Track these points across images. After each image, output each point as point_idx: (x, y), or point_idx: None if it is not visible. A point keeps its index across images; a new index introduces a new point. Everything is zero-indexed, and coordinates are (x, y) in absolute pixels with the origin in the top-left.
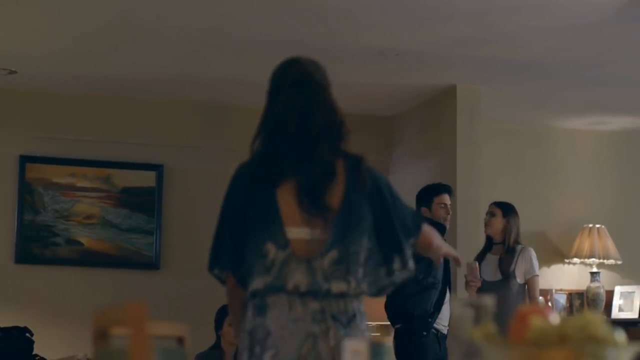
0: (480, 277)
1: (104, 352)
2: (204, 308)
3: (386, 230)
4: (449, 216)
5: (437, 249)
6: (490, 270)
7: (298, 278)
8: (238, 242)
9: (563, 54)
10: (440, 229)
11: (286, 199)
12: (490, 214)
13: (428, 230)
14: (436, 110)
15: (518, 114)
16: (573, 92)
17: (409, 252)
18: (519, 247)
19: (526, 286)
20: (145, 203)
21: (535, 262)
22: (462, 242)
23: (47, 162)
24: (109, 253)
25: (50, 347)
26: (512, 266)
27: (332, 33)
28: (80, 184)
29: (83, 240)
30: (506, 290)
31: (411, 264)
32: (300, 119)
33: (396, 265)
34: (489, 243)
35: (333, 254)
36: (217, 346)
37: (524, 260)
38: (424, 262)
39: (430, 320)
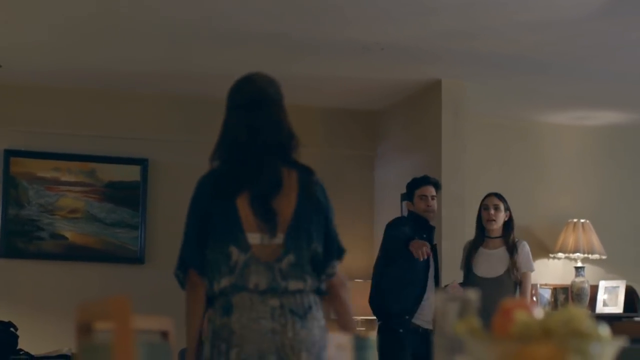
0: (474, 273)
1: (87, 346)
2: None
3: (328, 239)
4: (430, 208)
5: (347, 313)
6: (490, 266)
7: (258, 278)
8: (203, 245)
9: (548, 48)
10: (421, 222)
11: (244, 208)
12: (496, 208)
13: (345, 282)
14: (421, 104)
15: (503, 109)
16: (558, 86)
17: (333, 270)
18: (517, 243)
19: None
20: (130, 197)
21: (531, 257)
22: (447, 236)
23: (31, 156)
24: (93, 247)
25: (35, 342)
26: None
27: (318, 27)
28: (65, 178)
29: (68, 234)
30: (507, 286)
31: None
32: (252, 135)
33: (328, 274)
34: (482, 237)
35: (290, 258)
36: (202, 341)
37: (521, 254)
38: (403, 257)
39: (407, 317)
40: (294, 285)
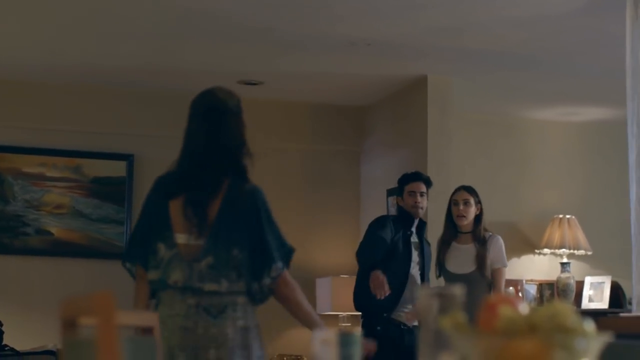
0: (446, 269)
1: (71, 341)
2: None
3: (260, 247)
4: (417, 204)
5: (304, 313)
6: (460, 262)
7: (177, 275)
8: (147, 240)
9: (534, 44)
10: (408, 218)
11: (176, 210)
12: (465, 203)
13: (292, 283)
14: (407, 100)
15: (489, 105)
16: (544, 83)
17: (275, 273)
18: (487, 235)
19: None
20: (115, 193)
21: (504, 253)
22: (432, 232)
23: (17, 151)
24: (79, 243)
25: (20, 338)
26: (486, 260)
27: (305, 23)
28: (51, 173)
29: (53, 230)
30: (479, 283)
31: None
32: (208, 142)
33: (265, 280)
34: (454, 232)
35: (209, 259)
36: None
37: (491, 250)
38: (381, 261)
39: (385, 314)
40: (209, 286)
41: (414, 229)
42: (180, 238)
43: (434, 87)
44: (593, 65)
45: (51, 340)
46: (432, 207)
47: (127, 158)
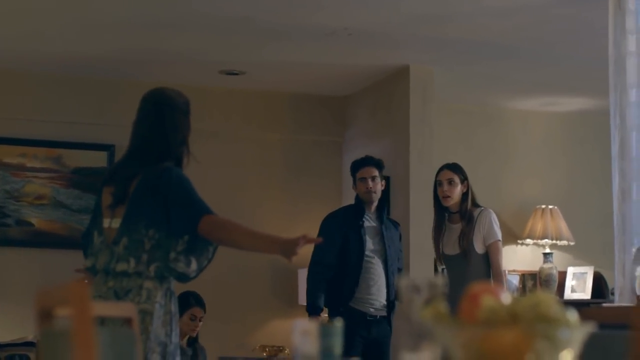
0: (442, 252)
1: (47, 332)
2: None
3: (180, 209)
4: (370, 189)
5: (251, 238)
6: (452, 243)
7: (102, 259)
8: (87, 231)
9: (516, 34)
10: (358, 205)
11: (106, 197)
12: (450, 182)
13: (220, 221)
14: (389, 90)
15: (471, 95)
16: (526, 72)
17: (185, 245)
18: (477, 211)
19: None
20: (96, 184)
21: (495, 226)
22: (415, 222)
23: None
24: (59, 234)
25: (0, 330)
26: (471, 236)
27: (285, 12)
28: (31, 164)
29: (34, 221)
30: (466, 264)
31: (184, 259)
32: (140, 134)
33: (171, 255)
34: (445, 213)
35: (124, 241)
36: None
37: (482, 226)
38: (319, 247)
39: (342, 309)
40: (120, 266)
41: (370, 215)
42: (105, 222)
43: (415, 77)
44: (575, 55)
45: (31, 331)
46: (415, 198)
47: (108, 148)
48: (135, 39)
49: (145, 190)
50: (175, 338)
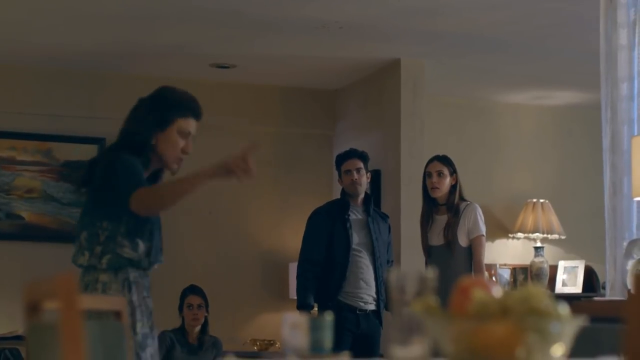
0: (428, 243)
1: (35, 326)
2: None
3: (116, 191)
4: (355, 181)
5: (188, 181)
6: (437, 234)
7: (74, 253)
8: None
9: (507, 27)
10: (342, 199)
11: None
12: (439, 174)
13: (146, 190)
14: (380, 84)
15: (461, 88)
16: (516, 66)
17: (124, 228)
18: (463, 205)
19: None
20: None
21: (480, 221)
22: (406, 216)
23: None
24: (50, 227)
25: None
26: (456, 228)
27: (275, 5)
28: (21, 157)
29: (24, 214)
30: (449, 255)
31: (129, 243)
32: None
33: (118, 240)
34: (433, 204)
35: (84, 234)
36: (182, 326)
37: (467, 219)
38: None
39: (330, 304)
40: (80, 260)
41: (356, 209)
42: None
43: (406, 70)
44: (565, 48)
45: (21, 325)
46: (405, 192)
47: (99, 142)
48: (126, 32)
49: (98, 182)
50: (142, 329)
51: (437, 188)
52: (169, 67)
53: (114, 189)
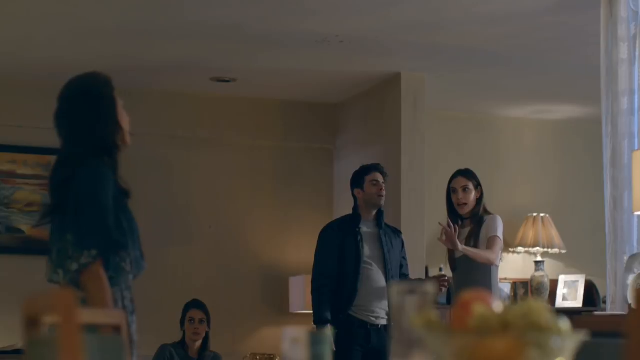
0: (454, 257)
1: (34, 340)
2: (148, 297)
3: (77, 227)
4: (382, 192)
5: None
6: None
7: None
8: None
9: (507, 41)
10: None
11: None
12: (464, 189)
13: (102, 281)
14: (380, 97)
15: (462, 102)
16: (517, 80)
17: (85, 260)
18: (486, 217)
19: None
20: None
21: (498, 225)
22: (406, 228)
23: None
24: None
25: None
26: (478, 240)
27: (275, 19)
28: (21, 171)
29: (24, 228)
30: (474, 268)
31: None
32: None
33: (72, 265)
34: (460, 219)
35: (55, 249)
36: (182, 341)
37: (487, 225)
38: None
39: (342, 317)
40: (51, 277)
41: (368, 222)
42: None
43: (407, 84)
44: (565, 62)
45: (21, 339)
46: (406, 205)
47: None
48: (126, 46)
49: (60, 197)
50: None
51: (465, 204)
52: (170, 81)
53: (79, 225)
